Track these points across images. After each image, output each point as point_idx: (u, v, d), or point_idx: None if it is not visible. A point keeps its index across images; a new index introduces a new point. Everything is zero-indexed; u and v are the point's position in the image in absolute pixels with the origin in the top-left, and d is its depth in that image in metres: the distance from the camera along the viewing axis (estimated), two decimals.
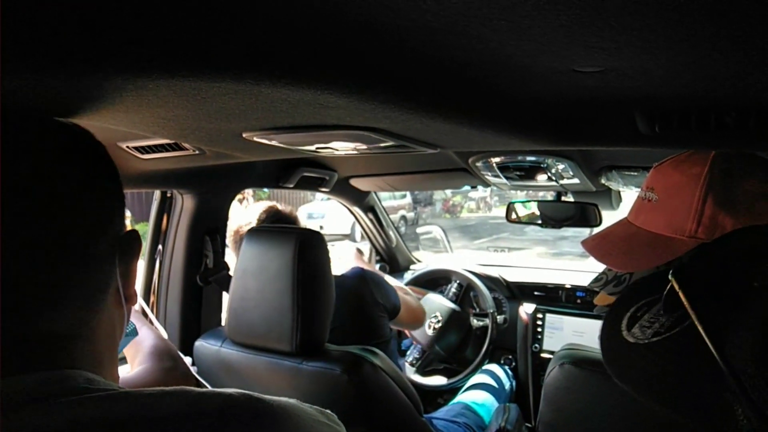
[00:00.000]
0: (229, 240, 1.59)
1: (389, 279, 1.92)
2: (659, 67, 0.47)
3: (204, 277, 1.60)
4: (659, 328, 0.47)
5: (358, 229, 2.52)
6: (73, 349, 0.44)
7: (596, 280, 1.00)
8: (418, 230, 2.74)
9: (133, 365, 0.99)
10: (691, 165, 0.82)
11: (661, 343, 0.45)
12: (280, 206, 1.62)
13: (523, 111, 0.66)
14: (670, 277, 0.45)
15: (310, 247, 1.26)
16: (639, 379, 0.46)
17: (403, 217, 11.64)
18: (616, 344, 0.50)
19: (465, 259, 2.63)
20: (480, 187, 2.14)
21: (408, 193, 12.08)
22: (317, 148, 0.85)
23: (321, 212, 9.78)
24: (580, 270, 2.33)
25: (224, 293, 1.71)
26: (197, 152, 1.08)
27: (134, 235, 0.50)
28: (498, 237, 11.83)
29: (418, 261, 2.72)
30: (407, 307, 1.76)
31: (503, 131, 0.69)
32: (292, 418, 0.45)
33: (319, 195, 2.10)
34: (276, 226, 1.44)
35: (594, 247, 0.98)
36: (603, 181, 1.68)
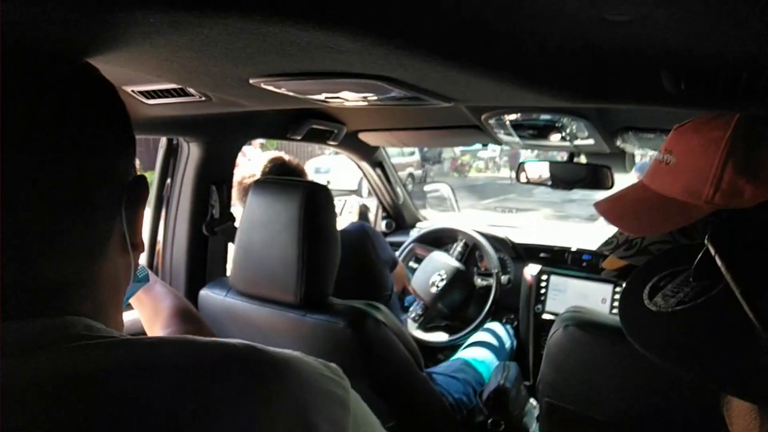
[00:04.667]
0: (234, 192, 1.57)
1: None
2: (695, 19, 0.44)
3: (210, 227, 1.60)
4: (683, 297, 0.45)
5: (365, 184, 2.50)
6: (74, 296, 0.43)
7: (606, 243, 0.99)
8: (426, 188, 2.71)
9: (153, 327, 0.97)
10: (712, 128, 0.79)
11: (687, 311, 0.44)
12: (286, 157, 1.60)
13: (545, 64, 0.63)
14: (706, 242, 0.43)
15: (316, 201, 1.25)
16: (665, 346, 0.45)
17: (411, 175, 11.57)
18: (638, 313, 0.49)
19: (472, 218, 2.62)
20: (489, 147, 2.10)
21: (416, 151, 11.98)
22: (326, 97, 0.82)
23: (328, 167, 9.73)
24: (587, 233, 2.32)
25: (229, 244, 1.72)
26: (203, 98, 1.05)
27: (142, 182, 0.48)
28: (505, 198, 11.79)
29: (425, 219, 2.71)
30: (400, 265, 1.80)
31: (522, 85, 0.66)
32: (296, 371, 0.44)
33: (326, 149, 2.07)
34: (283, 179, 1.42)
35: (607, 210, 0.96)
36: (618, 143, 1.64)
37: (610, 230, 0.97)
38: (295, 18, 0.42)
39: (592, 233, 2.32)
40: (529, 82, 0.66)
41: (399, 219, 2.58)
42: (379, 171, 2.32)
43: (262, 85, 0.75)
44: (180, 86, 0.99)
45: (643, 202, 0.93)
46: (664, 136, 1.55)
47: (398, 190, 2.46)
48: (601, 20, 0.46)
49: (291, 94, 0.82)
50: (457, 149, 15.01)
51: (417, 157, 12.60)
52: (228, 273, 1.75)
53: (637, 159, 2.22)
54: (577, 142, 1.64)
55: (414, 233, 2.45)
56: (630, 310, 0.51)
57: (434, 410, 1.50)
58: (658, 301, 0.48)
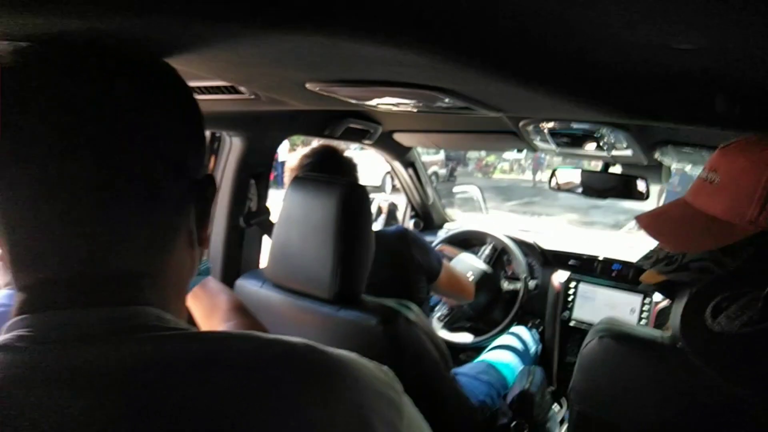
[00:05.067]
0: (285, 177, 1.59)
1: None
2: (763, 47, 0.45)
3: (247, 219, 1.63)
4: (748, 319, 0.47)
5: (388, 181, 2.52)
6: (143, 286, 0.45)
7: (646, 257, 0.99)
8: (455, 189, 2.71)
9: (210, 320, 0.99)
10: (760, 149, 0.79)
11: (753, 333, 0.45)
12: (339, 148, 1.58)
13: (603, 83, 0.64)
14: None
15: (353, 201, 1.27)
16: (731, 366, 0.46)
17: (435, 173, 11.54)
18: (701, 332, 0.50)
19: (500, 221, 2.61)
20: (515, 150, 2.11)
21: (442, 150, 11.94)
22: (378, 103, 0.84)
23: None
24: (618, 243, 2.30)
25: (264, 236, 1.75)
26: (252, 97, 1.08)
27: (211, 180, 0.50)
28: (530, 201, 11.70)
29: (452, 220, 2.71)
30: (449, 274, 1.76)
31: (578, 101, 0.67)
32: (354, 372, 0.45)
33: (352, 145, 2.08)
34: (321, 176, 1.44)
35: (648, 225, 0.96)
36: (657, 155, 1.63)
37: (636, 240, 0.97)
38: (374, 37, 0.44)
39: (621, 243, 2.30)
40: (584, 100, 0.67)
41: (427, 219, 2.60)
42: (411, 171, 2.34)
43: (317, 90, 0.78)
44: (231, 84, 1.02)
45: (685, 219, 0.93)
46: (703, 151, 1.53)
47: (428, 190, 2.47)
48: (667, 48, 0.47)
49: (343, 98, 0.84)
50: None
51: (442, 156, 12.55)
52: (261, 265, 1.78)
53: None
54: (615, 152, 1.63)
55: (442, 234, 2.46)
56: (692, 328, 0.52)
57: (460, 411, 1.51)
58: (721, 321, 0.49)
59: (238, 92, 1.07)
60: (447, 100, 0.74)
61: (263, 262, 1.76)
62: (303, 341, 0.46)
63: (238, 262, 1.68)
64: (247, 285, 1.45)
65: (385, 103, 0.84)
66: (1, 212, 0.43)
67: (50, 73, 0.41)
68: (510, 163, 16.40)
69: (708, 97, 0.69)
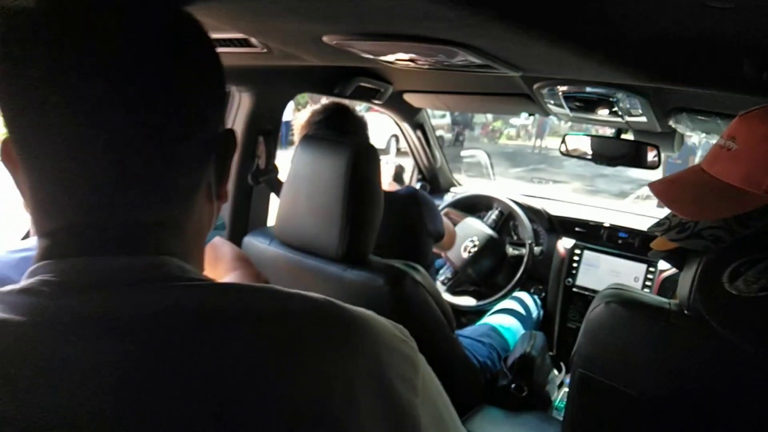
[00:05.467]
0: (296, 135, 1.57)
1: None
2: None
3: (255, 177, 1.63)
4: (766, 284, 0.47)
5: (393, 144, 2.50)
6: (165, 237, 0.45)
7: (658, 224, 0.99)
8: (462, 153, 2.69)
9: (215, 270, 1.01)
10: None
11: None
12: (350, 106, 1.56)
13: (633, 44, 0.62)
14: None
15: (363, 160, 1.26)
16: (746, 329, 0.46)
17: (440, 138, 11.43)
18: (717, 294, 0.50)
19: (507, 187, 2.61)
20: (523, 114, 2.08)
21: (448, 114, 11.79)
22: (395, 59, 0.82)
23: None
24: (626, 211, 2.30)
25: (272, 194, 1.75)
26: (264, 50, 1.05)
27: (231, 135, 0.50)
28: (535, 168, 11.64)
29: (459, 184, 2.70)
30: (448, 231, 1.77)
31: (606, 62, 0.66)
32: (373, 330, 0.45)
33: (359, 106, 2.05)
34: (331, 135, 1.43)
35: (662, 191, 0.96)
36: (671, 122, 1.60)
37: (640, 208, 0.97)
38: None
39: (628, 211, 2.29)
40: (611, 60, 0.66)
41: (434, 182, 2.59)
42: (419, 133, 2.31)
43: (334, 43, 0.76)
44: (244, 37, 1.00)
45: (700, 186, 0.92)
46: (718, 119, 1.51)
47: (437, 153, 2.45)
48: (702, 6, 0.45)
49: (359, 53, 0.82)
50: (489, 115, 14.75)
51: (448, 120, 12.42)
52: (269, 223, 1.79)
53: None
54: (630, 118, 1.61)
55: (448, 198, 2.46)
56: (709, 292, 0.52)
57: (462, 371, 1.54)
58: (739, 285, 0.49)
59: (249, 45, 1.05)
60: (468, 57, 0.72)
61: (271, 220, 1.77)
62: (323, 297, 0.46)
63: (246, 219, 1.68)
64: (254, 242, 1.46)
65: (402, 59, 0.82)
66: (25, 159, 0.43)
67: (83, 22, 0.40)
68: (517, 129, 16.22)
69: (736, 62, 0.67)
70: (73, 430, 0.36)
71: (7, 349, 0.38)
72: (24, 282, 0.42)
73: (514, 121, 15.87)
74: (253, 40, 1.01)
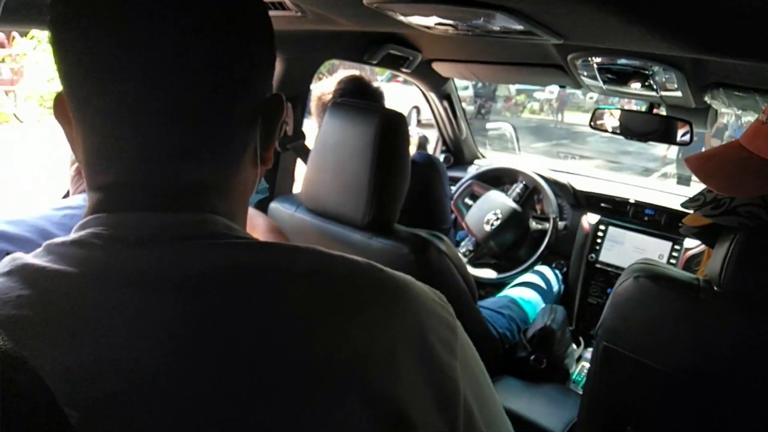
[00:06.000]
0: (312, 105, 1.58)
1: None
2: None
3: (282, 144, 1.63)
4: None
5: (413, 116, 2.48)
6: (213, 198, 0.46)
7: (693, 200, 0.97)
8: (488, 125, 2.67)
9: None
10: None
11: None
12: (366, 77, 1.57)
13: (685, 11, 0.60)
14: None
15: (392, 128, 1.25)
16: None
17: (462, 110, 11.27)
18: (759, 273, 0.50)
19: (533, 161, 2.58)
20: (547, 89, 2.04)
21: (470, 86, 11.62)
22: (435, 23, 0.81)
23: None
24: (653, 188, 2.26)
25: (299, 161, 1.75)
26: (299, 14, 1.05)
27: (278, 100, 0.50)
28: (558, 143, 11.47)
29: (483, 157, 2.68)
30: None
31: (654, 29, 0.64)
32: (414, 293, 0.46)
33: (379, 76, 2.03)
34: (360, 103, 1.42)
35: (698, 167, 0.94)
36: (707, 98, 1.56)
37: (666, 185, 0.95)
38: None
39: (659, 189, 2.26)
40: (660, 29, 0.64)
41: (458, 154, 2.57)
42: (446, 103, 2.29)
43: (374, 6, 0.75)
44: (280, 0, 0.99)
45: (738, 162, 0.91)
46: (756, 96, 1.47)
47: (462, 124, 2.43)
48: None
49: (397, 16, 0.81)
50: (512, 88, 14.49)
51: (470, 92, 12.24)
52: (295, 190, 1.80)
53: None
54: (665, 92, 1.57)
55: (472, 170, 2.44)
56: (750, 267, 0.52)
57: (483, 341, 1.55)
58: None
59: (284, 8, 1.04)
60: (510, 22, 0.71)
61: (297, 186, 1.78)
62: (365, 260, 0.46)
63: (272, 186, 1.69)
64: (281, 208, 1.47)
65: (440, 23, 0.80)
66: (81, 115, 0.43)
67: None
68: (540, 103, 15.93)
69: None
70: (121, 382, 0.37)
71: (58, 298, 0.39)
72: (75, 234, 0.43)
73: (537, 95, 15.58)
74: (288, 2, 1.00)
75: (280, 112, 0.51)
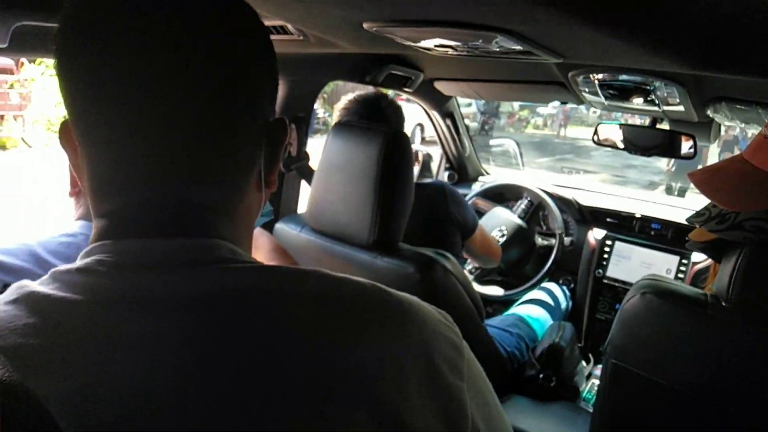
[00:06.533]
0: (335, 115, 1.58)
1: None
2: None
3: (286, 165, 1.64)
4: None
5: (417, 133, 2.48)
6: (219, 222, 0.46)
7: (698, 215, 0.97)
8: (491, 142, 2.68)
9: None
10: None
11: None
12: (380, 93, 1.57)
13: (680, 28, 0.60)
14: None
15: (395, 148, 1.26)
16: None
17: (466, 127, 11.30)
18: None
19: (537, 177, 2.58)
20: (551, 104, 2.05)
21: (474, 103, 11.68)
22: (435, 45, 0.82)
23: None
24: (659, 202, 2.26)
25: (303, 182, 1.76)
26: (301, 38, 1.06)
27: (282, 124, 0.50)
28: (562, 157, 11.48)
29: (487, 173, 2.68)
30: (483, 235, 1.76)
31: (653, 48, 0.64)
32: (420, 315, 0.46)
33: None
34: (363, 123, 1.43)
35: (702, 181, 0.94)
36: (709, 112, 1.57)
37: (668, 199, 0.95)
38: None
39: (663, 203, 2.25)
40: (658, 46, 0.64)
41: (462, 171, 2.57)
42: (449, 121, 2.30)
43: (374, 30, 0.76)
44: (282, 24, 1.01)
45: (742, 176, 0.91)
46: (759, 109, 1.47)
47: (466, 141, 2.43)
48: None
49: (398, 39, 0.82)
50: (516, 104, 14.56)
51: (473, 109, 12.30)
52: (299, 210, 1.81)
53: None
54: (667, 107, 1.58)
55: (477, 187, 2.44)
56: (759, 282, 0.51)
57: (491, 361, 1.54)
58: None
59: (286, 33, 1.05)
60: (509, 43, 0.71)
61: (301, 207, 1.78)
62: (370, 282, 0.46)
63: (277, 206, 1.70)
64: (286, 229, 1.47)
65: (440, 44, 0.81)
66: (86, 141, 0.44)
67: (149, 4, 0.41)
68: (544, 119, 15.99)
69: None
70: (130, 404, 0.37)
71: (64, 325, 0.39)
72: (80, 261, 0.43)
73: (541, 110, 15.64)
74: (290, 27, 1.02)
75: (284, 136, 0.51)
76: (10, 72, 8.15)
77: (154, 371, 0.38)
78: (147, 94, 0.41)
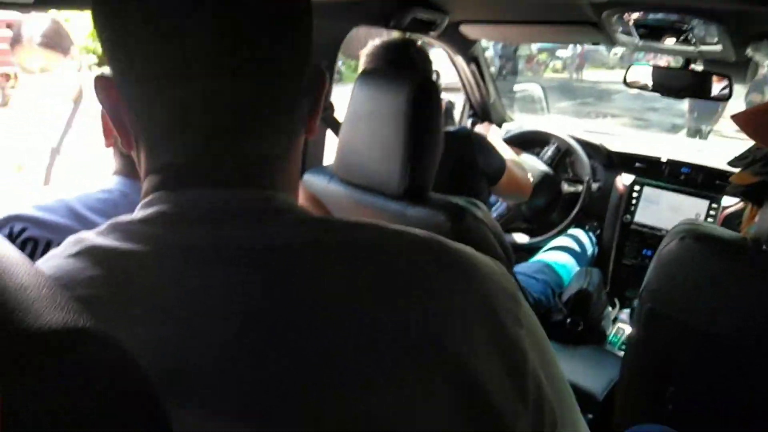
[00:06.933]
0: (360, 61, 1.56)
1: (503, 146, 1.89)
2: None
3: None
4: None
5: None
6: (273, 172, 0.46)
7: (741, 158, 0.95)
8: (516, 87, 2.61)
9: None
10: None
11: None
12: (406, 39, 1.53)
13: None
14: None
15: (424, 95, 1.24)
16: None
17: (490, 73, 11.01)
18: None
19: (562, 122, 2.53)
20: (569, 46, 1.97)
21: (491, 46, 11.35)
22: None
23: None
24: (689, 146, 2.21)
25: (328, 132, 1.75)
26: None
27: (321, 70, 0.50)
28: (583, 101, 11.21)
29: (511, 119, 2.63)
30: (510, 175, 1.74)
31: None
32: (477, 263, 0.46)
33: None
34: (390, 70, 1.40)
35: (747, 122, 0.92)
36: (749, 51, 1.50)
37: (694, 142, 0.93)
38: None
39: (694, 146, 2.21)
40: None
41: (486, 118, 2.52)
42: (473, 66, 2.24)
43: None
44: None
45: None
46: None
47: (491, 87, 2.38)
48: None
49: None
50: (534, 47, 14.09)
51: (491, 52, 11.97)
52: (324, 161, 1.80)
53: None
54: (704, 47, 1.52)
55: (502, 133, 2.40)
56: None
57: None
58: None
59: None
60: None
61: (326, 158, 1.78)
62: (427, 233, 0.46)
63: (303, 158, 1.70)
64: (314, 180, 1.47)
65: None
66: (136, 94, 0.43)
67: None
68: (563, 61, 15.49)
69: None
70: (189, 353, 0.38)
71: (128, 276, 0.40)
72: (140, 212, 0.43)
73: (560, 53, 15.15)
74: None
75: (324, 82, 0.51)
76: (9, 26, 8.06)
77: (216, 322, 0.39)
78: (203, 46, 0.40)
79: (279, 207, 0.44)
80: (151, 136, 0.45)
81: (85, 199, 0.94)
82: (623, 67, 2.10)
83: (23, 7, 0.74)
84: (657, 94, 1.84)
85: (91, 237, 0.43)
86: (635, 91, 1.95)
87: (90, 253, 0.41)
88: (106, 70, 0.45)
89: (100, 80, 0.45)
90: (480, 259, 0.47)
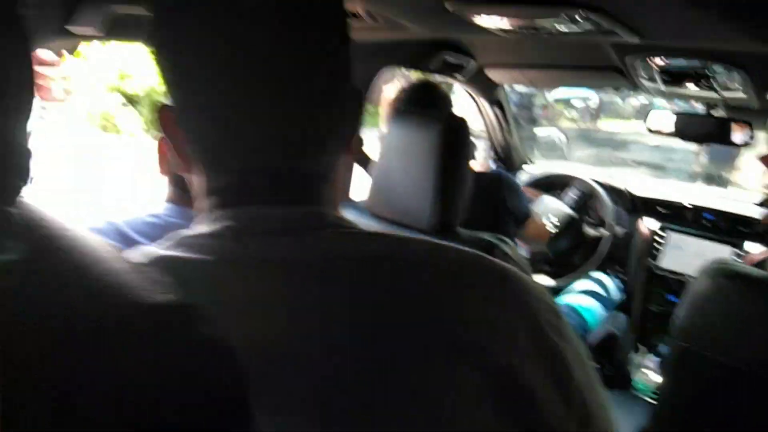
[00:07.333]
0: (381, 110, 1.61)
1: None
2: None
3: None
4: None
5: None
6: (323, 190, 0.48)
7: None
8: (538, 132, 2.66)
9: None
10: None
11: None
12: (436, 81, 1.59)
13: None
14: None
15: (455, 135, 1.28)
16: None
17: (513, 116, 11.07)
18: None
19: (584, 167, 2.55)
20: (585, 98, 2.02)
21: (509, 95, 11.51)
22: (520, 26, 0.82)
23: None
24: (713, 193, 2.21)
25: (356, 167, 1.79)
26: (370, 21, 1.08)
27: (359, 91, 0.52)
28: (600, 150, 11.22)
29: (532, 162, 2.67)
30: (534, 221, 1.78)
31: (741, 20, 0.63)
32: (521, 279, 0.47)
33: None
34: (423, 111, 1.45)
35: None
36: None
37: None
38: None
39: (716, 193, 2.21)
40: (747, 18, 0.63)
41: (508, 160, 2.56)
42: (497, 109, 2.29)
43: (454, 9, 0.77)
44: (353, 11, 1.03)
45: None
46: None
47: (513, 130, 2.42)
48: None
49: (476, 19, 0.83)
50: (550, 97, 14.28)
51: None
52: (353, 197, 1.83)
53: None
54: (727, 93, 1.55)
55: (524, 177, 2.43)
56: None
57: None
58: None
59: (356, 17, 1.07)
60: (589, 21, 0.72)
61: (355, 193, 1.80)
62: (472, 250, 0.48)
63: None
64: (346, 215, 1.49)
65: (524, 27, 0.82)
66: (195, 119, 0.46)
67: None
68: (579, 111, 15.62)
69: None
70: (258, 360, 0.39)
71: (197, 284, 0.42)
72: (209, 227, 0.46)
73: (575, 102, 15.31)
74: (360, 10, 1.04)
75: (363, 103, 0.53)
76: (54, 65, 8.37)
77: (284, 330, 0.41)
78: (257, 67, 0.43)
79: (329, 222, 0.46)
80: (208, 160, 0.47)
81: (133, 222, 0.97)
82: (639, 118, 2.13)
83: (90, 39, 0.79)
84: (674, 145, 1.86)
85: (158, 250, 0.45)
86: (653, 141, 1.97)
87: (158, 263, 0.44)
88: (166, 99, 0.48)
89: (163, 110, 0.48)
90: (521, 275, 0.48)
